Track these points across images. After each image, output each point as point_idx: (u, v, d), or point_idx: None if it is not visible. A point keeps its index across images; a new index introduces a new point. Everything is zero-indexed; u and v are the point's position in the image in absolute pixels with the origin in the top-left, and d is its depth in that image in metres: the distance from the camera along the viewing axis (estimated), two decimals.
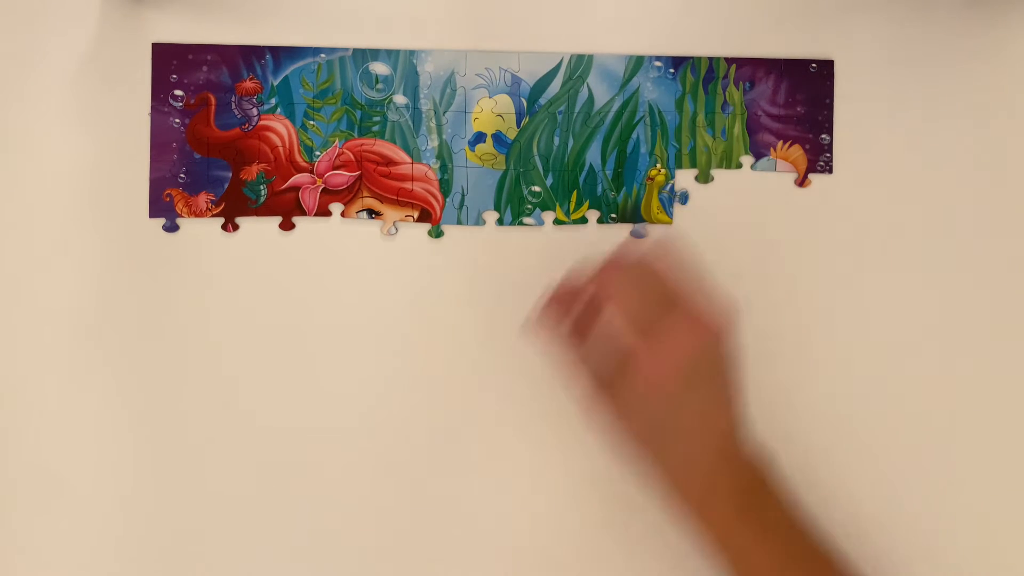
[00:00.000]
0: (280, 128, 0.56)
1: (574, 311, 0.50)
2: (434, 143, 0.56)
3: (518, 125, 0.57)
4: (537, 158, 0.57)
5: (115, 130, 0.55)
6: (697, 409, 0.47)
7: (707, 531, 0.47)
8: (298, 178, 0.56)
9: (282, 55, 0.56)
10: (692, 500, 0.47)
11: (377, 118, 0.56)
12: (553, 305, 0.50)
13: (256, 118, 0.56)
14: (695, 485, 0.47)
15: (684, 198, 0.56)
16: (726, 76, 0.57)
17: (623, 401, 0.47)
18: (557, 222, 0.57)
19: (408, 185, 0.56)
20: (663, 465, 0.47)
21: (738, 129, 0.57)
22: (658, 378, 0.46)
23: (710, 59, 0.57)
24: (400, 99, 0.56)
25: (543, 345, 0.52)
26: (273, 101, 0.56)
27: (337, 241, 0.56)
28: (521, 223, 0.56)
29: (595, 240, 0.56)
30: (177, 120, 0.56)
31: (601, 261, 0.49)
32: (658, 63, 0.57)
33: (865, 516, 0.54)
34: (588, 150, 0.57)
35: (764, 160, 0.57)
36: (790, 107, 0.57)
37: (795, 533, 0.47)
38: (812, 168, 0.57)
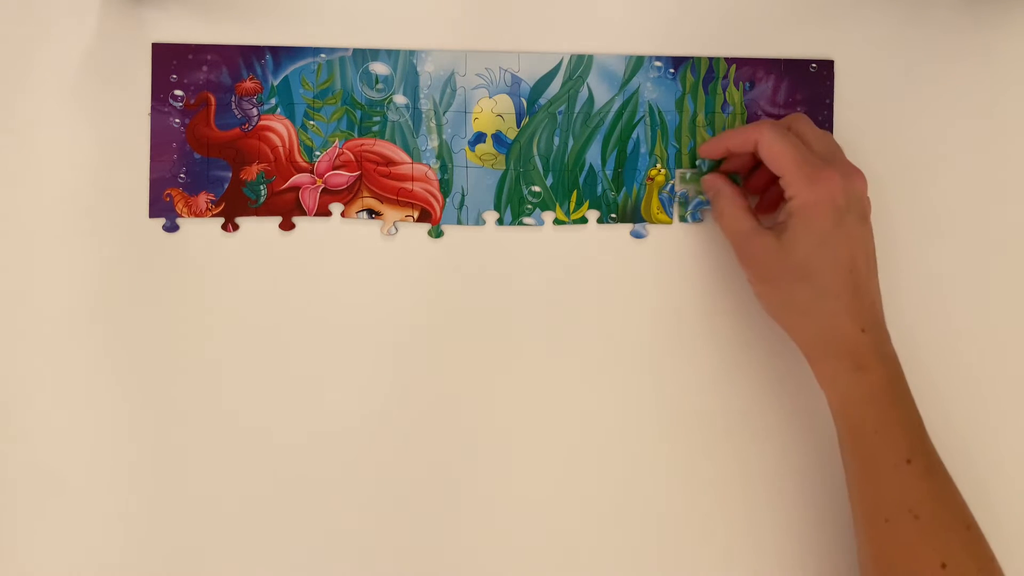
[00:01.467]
0: (280, 128, 0.56)
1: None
2: (434, 143, 0.56)
3: (518, 125, 0.57)
4: (537, 158, 0.57)
5: (115, 130, 0.55)
6: (844, 263, 0.49)
7: (834, 400, 0.50)
8: (298, 178, 0.56)
9: (282, 55, 0.56)
10: (825, 368, 0.50)
11: (377, 118, 0.56)
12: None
13: (256, 118, 0.56)
14: (832, 350, 0.49)
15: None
16: (726, 76, 0.57)
17: (775, 247, 0.50)
18: (557, 222, 0.57)
19: (408, 185, 0.56)
20: (801, 324, 0.50)
21: None
22: (811, 222, 0.49)
23: (710, 59, 0.57)
24: (400, 99, 0.56)
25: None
26: (273, 101, 0.56)
27: (337, 241, 0.56)
28: (521, 223, 0.56)
29: (595, 240, 0.56)
30: (177, 120, 0.56)
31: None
32: (658, 63, 0.57)
33: None
34: (588, 150, 0.57)
35: None
36: (790, 107, 0.57)
37: (924, 439, 0.49)
38: None
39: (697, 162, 0.56)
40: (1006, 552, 0.48)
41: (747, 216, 0.52)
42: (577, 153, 0.57)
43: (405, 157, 0.56)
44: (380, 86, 0.56)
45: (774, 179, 0.52)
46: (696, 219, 0.57)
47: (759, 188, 0.55)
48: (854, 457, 0.49)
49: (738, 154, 0.53)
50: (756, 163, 0.54)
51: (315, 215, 0.56)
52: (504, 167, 0.56)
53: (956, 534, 0.47)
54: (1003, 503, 0.55)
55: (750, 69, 0.57)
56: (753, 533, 0.56)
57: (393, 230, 0.56)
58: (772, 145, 0.50)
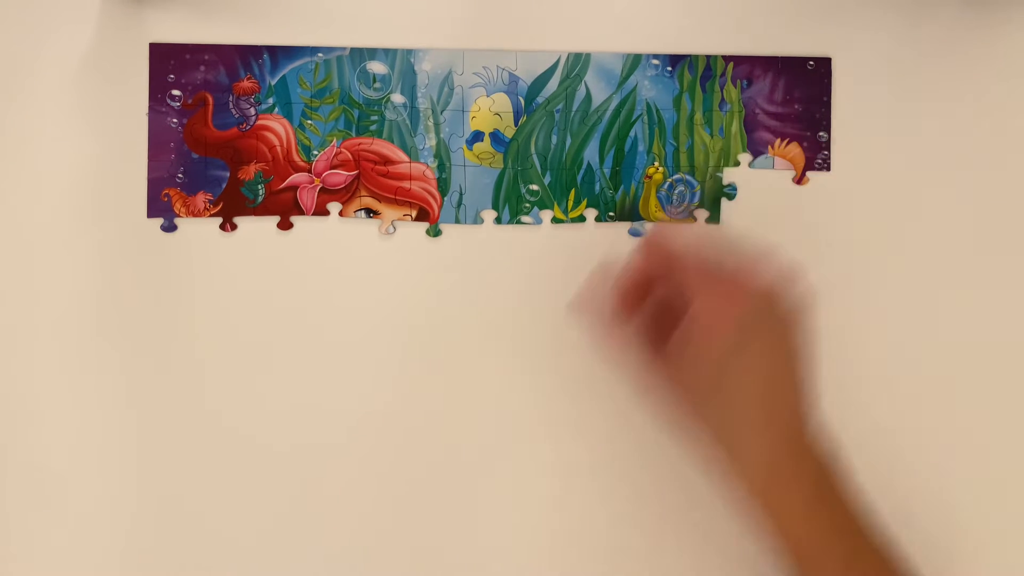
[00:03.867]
0: (278, 128, 0.56)
1: (626, 290, 0.50)
2: (432, 142, 0.56)
3: (516, 124, 0.57)
4: (535, 157, 0.57)
5: (113, 130, 0.55)
6: (758, 376, 0.45)
7: (769, 520, 0.45)
8: (296, 177, 0.56)
9: (279, 55, 0.56)
10: (755, 484, 0.45)
11: (375, 117, 0.56)
12: (615, 293, 0.50)
13: (254, 118, 0.56)
14: (758, 467, 0.45)
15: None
16: (723, 74, 0.57)
17: (677, 366, 0.46)
18: (555, 221, 0.57)
19: (406, 184, 0.56)
20: (723, 442, 0.46)
21: (736, 127, 0.57)
22: (713, 332, 0.45)
23: (707, 57, 0.57)
24: (398, 98, 0.56)
25: (589, 323, 0.51)
26: (271, 101, 0.56)
27: (335, 240, 0.56)
28: (519, 222, 0.56)
29: (593, 239, 0.56)
30: (175, 120, 0.56)
31: (647, 241, 0.49)
32: (655, 61, 0.57)
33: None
34: (586, 148, 0.57)
35: (762, 158, 0.57)
36: (788, 105, 0.57)
37: (862, 532, 0.45)
38: (810, 166, 0.57)
39: None
40: None
41: (653, 336, 0.49)
42: (575, 151, 0.57)
43: (403, 156, 0.56)
44: (378, 85, 0.56)
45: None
46: (685, 217, 0.57)
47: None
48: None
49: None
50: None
51: (313, 214, 0.56)
52: (502, 166, 0.56)
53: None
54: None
55: (747, 67, 0.57)
56: (746, 544, 0.56)
57: (391, 229, 0.56)
58: (679, 251, 0.47)
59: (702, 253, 0.47)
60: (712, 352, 0.45)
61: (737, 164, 0.57)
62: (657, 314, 0.50)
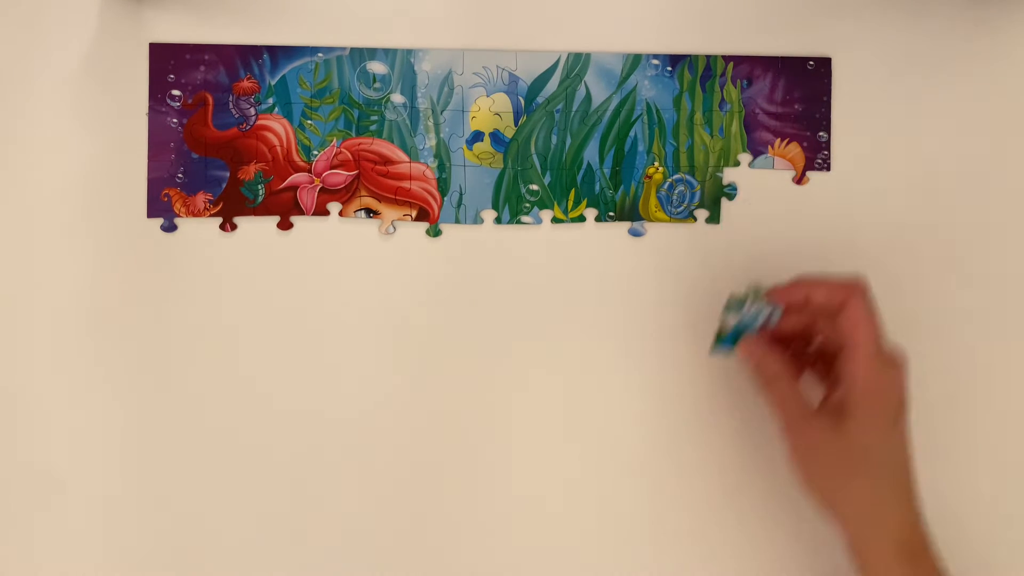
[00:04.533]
0: (278, 128, 0.56)
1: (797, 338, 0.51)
2: (432, 142, 0.56)
3: (516, 124, 0.57)
4: (535, 157, 0.57)
5: (113, 130, 0.55)
6: (901, 454, 0.47)
7: None
8: (296, 177, 0.56)
9: (279, 55, 0.56)
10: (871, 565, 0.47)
11: (375, 117, 0.56)
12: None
13: (254, 118, 0.56)
14: (881, 549, 0.47)
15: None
16: (723, 74, 0.57)
17: (834, 430, 0.47)
18: (555, 220, 0.57)
19: (406, 184, 0.56)
20: (855, 520, 0.47)
21: (736, 127, 0.57)
22: (882, 402, 0.46)
23: (707, 57, 0.57)
24: (398, 98, 0.56)
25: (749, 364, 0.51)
26: (271, 101, 0.56)
27: (335, 240, 0.56)
28: (519, 222, 0.56)
29: (593, 239, 0.56)
30: (175, 120, 0.56)
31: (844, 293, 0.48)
32: (655, 61, 0.57)
33: None
34: (586, 148, 0.57)
35: (762, 158, 0.57)
36: (788, 105, 0.57)
37: None
38: (810, 166, 0.57)
39: (735, 299, 0.51)
40: None
41: (802, 400, 0.48)
42: (575, 151, 0.57)
43: (403, 156, 0.56)
44: (378, 85, 0.56)
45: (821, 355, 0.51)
46: (684, 216, 0.56)
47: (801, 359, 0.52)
48: None
49: (805, 307, 0.49)
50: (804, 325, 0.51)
51: (313, 214, 0.56)
52: (502, 166, 0.56)
53: None
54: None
55: (747, 67, 0.57)
56: (747, 539, 0.56)
57: (391, 229, 0.56)
58: (864, 315, 0.47)
59: (867, 321, 0.47)
60: (878, 423, 0.46)
61: (737, 164, 0.57)
62: (818, 372, 0.51)
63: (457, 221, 0.56)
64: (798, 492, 0.49)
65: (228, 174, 0.56)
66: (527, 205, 0.57)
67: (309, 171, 0.56)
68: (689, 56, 0.57)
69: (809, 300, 0.49)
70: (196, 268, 0.55)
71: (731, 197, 0.57)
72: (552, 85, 0.56)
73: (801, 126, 0.57)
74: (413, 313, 0.56)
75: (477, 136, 0.56)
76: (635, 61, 0.57)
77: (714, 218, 0.57)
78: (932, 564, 0.47)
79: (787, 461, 0.49)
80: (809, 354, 0.52)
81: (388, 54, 0.56)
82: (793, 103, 0.57)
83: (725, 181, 0.57)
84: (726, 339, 0.51)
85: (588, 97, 0.57)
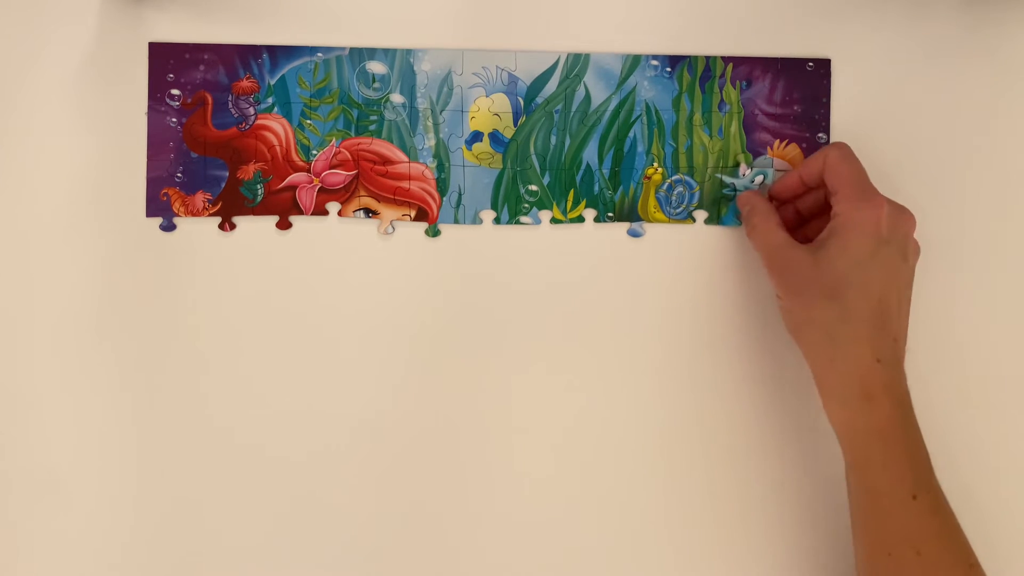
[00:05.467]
0: (277, 127, 0.56)
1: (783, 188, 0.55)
2: (431, 142, 0.56)
3: (515, 124, 0.57)
4: (534, 157, 0.57)
5: (112, 129, 0.55)
6: (877, 289, 0.48)
7: (841, 439, 0.49)
8: (295, 177, 0.56)
9: (279, 54, 0.56)
10: (837, 401, 0.48)
11: (374, 117, 0.56)
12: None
13: (253, 117, 0.56)
14: (847, 383, 0.48)
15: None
16: (723, 75, 0.57)
17: (813, 259, 0.49)
18: (554, 221, 0.57)
19: (405, 184, 0.56)
20: (822, 350, 0.49)
21: (735, 128, 0.57)
22: (854, 233, 0.49)
23: (707, 58, 0.57)
24: (397, 98, 0.56)
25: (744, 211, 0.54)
26: (270, 100, 0.56)
27: (334, 240, 0.56)
28: (518, 222, 0.56)
29: (592, 239, 0.56)
30: (174, 119, 0.56)
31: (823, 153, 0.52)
32: (655, 62, 0.57)
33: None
34: (585, 149, 0.57)
35: (761, 159, 0.57)
36: (787, 106, 0.57)
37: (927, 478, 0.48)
38: None
39: (727, 180, 0.56)
40: None
41: (780, 230, 0.51)
42: (574, 152, 0.57)
43: (402, 156, 0.56)
44: (377, 85, 0.56)
45: (821, 208, 0.54)
46: (684, 216, 0.57)
47: (805, 213, 0.55)
48: (859, 489, 0.49)
49: (807, 185, 0.54)
50: (804, 192, 0.55)
51: (312, 214, 0.56)
52: (501, 166, 0.56)
53: (958, 572, 0.47)
54: (1006, 542, 0.55)
55: (747, 68, 0.57)
56: (750, 544, 0.56)
57: (390, 229, 0.56)
58: (839, 161, 0.51)
59: (848, 165, 0.51)
60: (850, 251, 0.48)
61: (736, 165, 0.57)
62: (804, 214, 0.55)
63: (456, 221, 0.56)
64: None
65: (227, 174, 0.56)
66: (526, 205, 0.57)
67: (308, 171, 0.56)
68: (688, 57, 0.57)
69: (801, 178, 0.53)
70: (195, 268, 0.55)
71: (731, 198, 0.57)
72: (551, 85, 0.57)
73: (800, 127, 0.57)
74: (412, 313, 0.56)
75: (476, 136, 0.56)
76: (634, 62, 0.57)
77: (713, 219, 0.57)
78: (887, 409, 0.47)
79: (774, 295, 0.52)
80: (805, 216, 0.55)
81: (387, 54, 0.56)
82: (792, 104, 0.57)
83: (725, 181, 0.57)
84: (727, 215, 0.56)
85: (587, 98, 0.57)
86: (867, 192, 0.50)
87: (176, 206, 0.56)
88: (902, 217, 0.50)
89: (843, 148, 0.51)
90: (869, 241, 0.48)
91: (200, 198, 0.56)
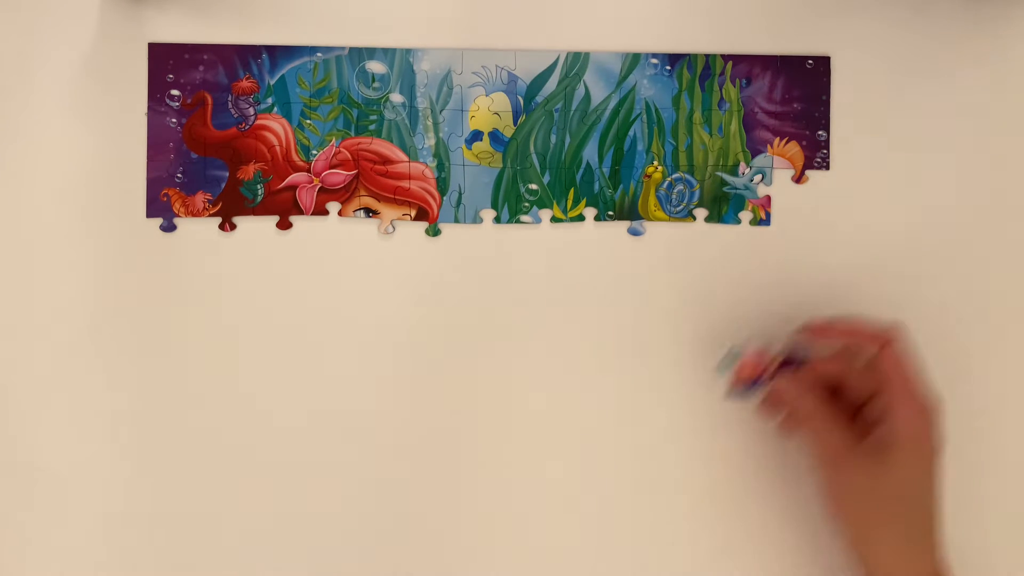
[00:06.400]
0: (277, 127, 0.56)
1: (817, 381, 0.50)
2: (431, 141, 0.56)
3: (515, 123, 0.57)
4: (534, 156, 0.57)
5: (112, 130, 0.55)
6: (933, 500, 0.47)
7: None
8: (295, 177, 0.56)
9: (278, 54, 0.56)
10: None
11: (374, 117, 0.56)
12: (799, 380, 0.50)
13: (253, 117, 0.56)
14: None
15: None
16: (722, 73, 0.57)
17: (871, 472, 0.47)
18: (554, 220, 0.57)
19: (405, 184, 0.56)
20: (878, 561, 0.48)
21: (735, 126, 0.57)
22: (922, 448, 0.47)
23: (706, 56, 0.57)
24: (397, 98, 0.56)
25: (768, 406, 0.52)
26: (270, 100, 0.56)
27: (334, 240, 0.56)
28: (518, 221, 0.56)
29: (592, 238, 0.56)
30: (174, 120, 0.56)
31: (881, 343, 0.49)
32: (654, 60, 0.57)
33: None
34: (585, 148, 0.57)
35: (761, 156, 0.57)
36: (787, 104, 0.57)
37: None
38: (809, 164, 0.57)
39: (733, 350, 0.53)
40: None
41: (843, 436, 0.48)
42: (574, 151, 0.57)
43: (402, 156, 0.56)
44: (376, 85, 0.56)
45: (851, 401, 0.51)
46: (684, 215, 0.57)
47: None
48: None
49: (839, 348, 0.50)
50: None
51: (312, 214, 0.56)
52: (501, 165, 0.56)
53: None
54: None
55: (746, 66, 0.57)
56: (747, 538, 0.55)
57: (390, 229, 0.56)
58: (901, 357, 0.48)
59: (907, 365, 0.48)
60: (918, 468, 0.47)
61: (736, 163, 0.57)
62: (847, 414, 0.50)
63: (456, 220, 0.56)
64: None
65: (227, 174, 0.56)
66: (526, 204, 0.57)
67: (308, 171, 0.56)
68: (688, 55, 0.57)
69: (848, 338, 0.50)
70: (195, 268, 0.55)
71: (730, 197, 0.57)
72: (551, 84, 0.57)
73: (800, 125, 0.57)
74: (412, 312, 0.56)
75: (476, 135, 0.56)
76: (634, 60, 0.57)
77: (713, 217, 0.57)
78: None
79: (822, 497, 0.49)
80: (842, 398, 0.51)
81: (387, 54, 0.56)
82: (792, 102, 0.57)
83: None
84: (748, 383, 0.52)
85: (587, 96, 0.57)
86: (929, 399, 0.48)
87: (176, 206, 0.56)
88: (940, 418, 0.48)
89: (905, 342, 0.48)
90: (935, 453, 0.47)
91: (200, 198, 0.56)
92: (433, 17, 0.56)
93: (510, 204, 0.56)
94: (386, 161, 0.56)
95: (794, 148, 0.57)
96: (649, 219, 0.57)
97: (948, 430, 0.49)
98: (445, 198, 0.56)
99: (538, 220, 0.57)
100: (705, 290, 0.56)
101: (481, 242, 0.56)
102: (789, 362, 0.51)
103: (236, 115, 0.56)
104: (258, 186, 0.56)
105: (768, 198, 0.57)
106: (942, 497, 0.48)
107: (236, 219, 0.56)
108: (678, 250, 0.56)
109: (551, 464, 0.56)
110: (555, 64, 0.56)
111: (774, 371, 0.51)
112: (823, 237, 0.56)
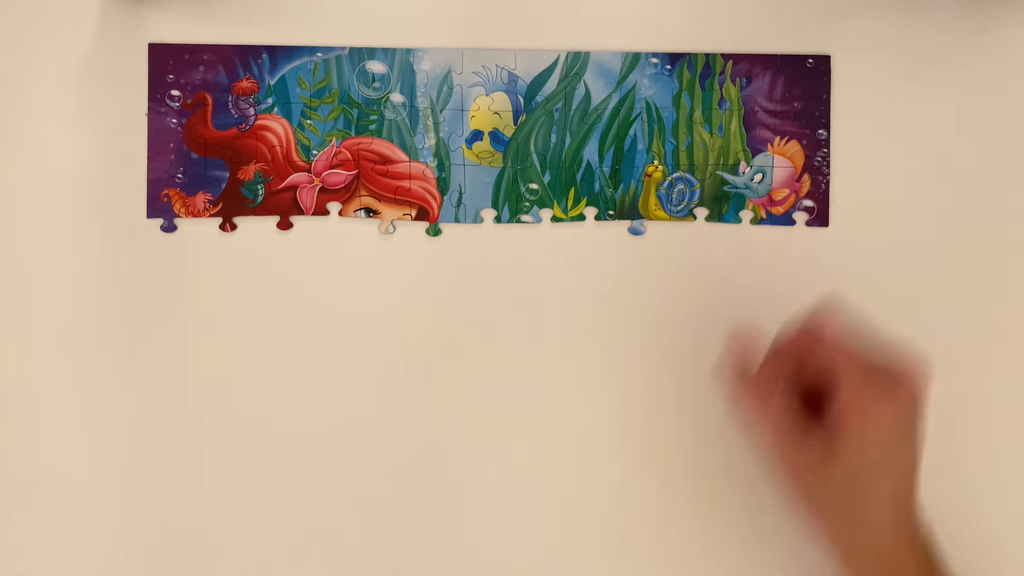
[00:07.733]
0: (277, 127, 0.56)
1: (783, 370, 0.48)
2: (431, 141, 0.56)
3: (515, 123, 0.57)
4: (534, 156, 0.57)
5: (113, 130, 0.55)
6: (896, 476, 0.46)
7: None
8: (295, 177, 0.56)
9: (278, 54, 0.56)
10: (859, 570, 0.46)
11: (374, 117, 0.56)
12: (767, 366, 0.49)
13: (253, 118, 0.56)
14: (869, 557, 0.46)
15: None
16: (723, 72, 0.57)
17: (823, 450, 0.46)
18: (555, 219, 0.57)
19: (406, 183, 0.56)
20: (839, 529, 0.47)
21: (735, 125, 0.57)
22: (871, 430, 0.45)
23: (706, 55, 0.57)
24: (397, 97, 0.56)
25: (733, 394, 0.49)
26: (270, 100, 0.56)
27: (335, 240, 0.56)
28: (519, 221, 0.56)
29: (593, 237, 0.56)
30: (174, 120, 0.56)
31: (813, 328, 0.47)
32: (654, 60, 0.57)
33: None
34: (585, 147, 0.57)
35: (762, 156, 0.57)
36: (787, 103, 0.57)
37: None
38: (809, 163, 0.57)
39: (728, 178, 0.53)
40: None
41: (793, 424, 0.47)
42: (574, 150, 0.57)
43: (402, 155, 0.56)
44: (377, 85, 0.56)
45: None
46: (684, 214, 0.57)
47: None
48: None
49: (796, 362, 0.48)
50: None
51: (313, 214, 0.56)
52: (501, 165, 0.56)
53: None
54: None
55: (747, 65, 0.57)
56: (745, 540, 0.55)
57: (391, 228, 0.56)
58: (839, 340, 0.46)
59: (857, 343, 0.47)
60: (867, 449, 0.45)
61: (737, 163, 0.57)
62: (802, 395, 0.48)
63: (457, 220, 0.56)
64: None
65: (228, 174, 0.56)
66: (527, 204, 0.57)
67: (309, 171, 0.56)
68: (688, 54, 0.57)
69: (792, 352, 0.48)
70: (196, 268, 0.55)
71: (730, 196, 0.57)
72: (551, 84, 0.57)
73: (801, 124, 0.57)
74: (413, 312, 0.56)
75: (476, 135, 0.56)
76: (634, 60, 0.57)
77: (714, 216, 0.57)
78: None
79: (794, 501, 0.49)
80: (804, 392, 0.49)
81: (387, 53, 0.56)
82: (792, 101, 0.57)
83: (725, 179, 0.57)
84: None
85: (587, 96, 0.57)
86: (883, 376, 0.45)
87: (177, 207, 0.56)
88: (917, 399, 0.46)
89: (839, 322, 0.47)
90: (891, 434, 0.45)
91: (201, 199, 0.56)
92: (433, 17, 0.56)
93: (511, 204, 0.56)
94: (386, 161, 0.56)
95: (794, 147, 0.57)
96: (650, 218, 0.57)
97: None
98: (446, 198, 0.56)
99: (539, 220, 0.57)
100: (706, 289, 0.56)
101: (482, 242, 0.56)
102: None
103: (236, 115, 0.56)
104: (259, 186, 0.56)
105: (769, 197, 0.57)
106: (914, 471, 0.46)
107: (237, 219, 0.56)
108: (679, 249, 0.56)
109: (550, 464, 0.56)
110: (555, 64, 0.56)
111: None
112: (822, 237, 0.56)
